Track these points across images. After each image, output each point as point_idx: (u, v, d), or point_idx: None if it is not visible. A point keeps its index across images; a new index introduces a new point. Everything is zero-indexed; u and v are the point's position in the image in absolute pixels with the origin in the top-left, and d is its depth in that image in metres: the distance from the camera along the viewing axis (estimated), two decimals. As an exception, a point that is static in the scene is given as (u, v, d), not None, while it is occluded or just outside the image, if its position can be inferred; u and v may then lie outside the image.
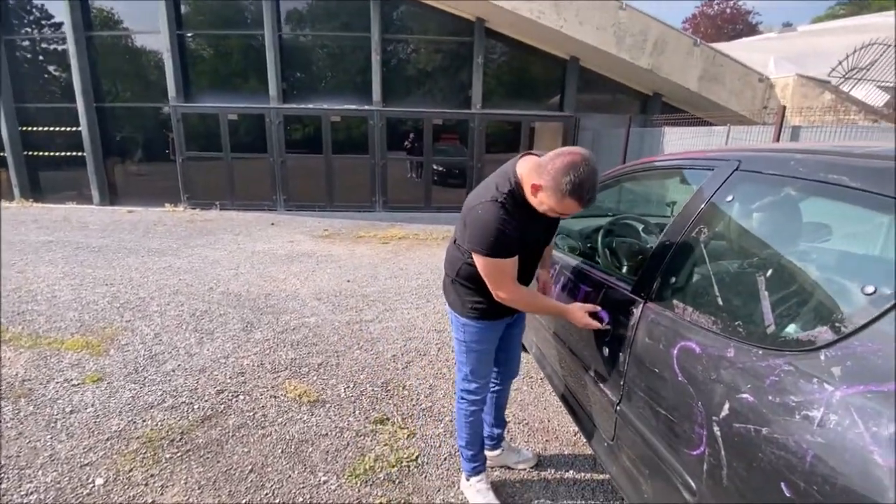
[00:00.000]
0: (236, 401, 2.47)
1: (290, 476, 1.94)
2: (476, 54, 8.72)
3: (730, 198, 1.24)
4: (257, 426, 2.26)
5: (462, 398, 1.78)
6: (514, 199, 1.42)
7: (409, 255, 5.83)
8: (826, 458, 0.78)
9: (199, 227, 7.35)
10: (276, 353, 3.04)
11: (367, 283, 4.60)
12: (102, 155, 9.02)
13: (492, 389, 1.95)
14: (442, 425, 2.31)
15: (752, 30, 30.19)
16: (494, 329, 1.70)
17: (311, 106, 8.72)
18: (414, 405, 2.48)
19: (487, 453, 2.11)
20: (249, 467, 1.98)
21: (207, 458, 2.03)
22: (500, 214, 1.39)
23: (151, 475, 1.92)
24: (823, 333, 0.87)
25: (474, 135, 8.96)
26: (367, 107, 8.75)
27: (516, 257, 1.46)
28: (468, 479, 1.84)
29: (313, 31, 8.91)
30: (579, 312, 1.53)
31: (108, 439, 2.13)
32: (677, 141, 7.05)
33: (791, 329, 0.95)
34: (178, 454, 2.05)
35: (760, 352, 0.97)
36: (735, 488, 0.96)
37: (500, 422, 2.05)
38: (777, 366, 0.93)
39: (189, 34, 8.73)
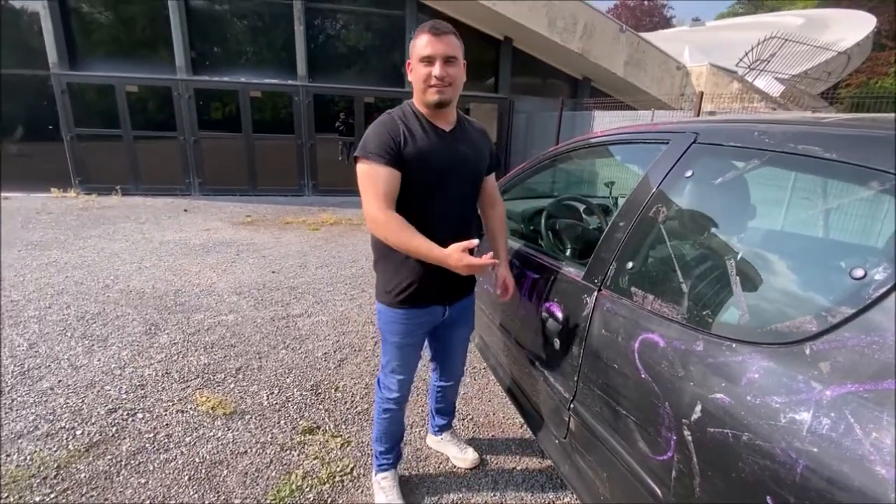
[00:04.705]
0: (133, 420, 2.09)
1: (198, 508, 1.64)
2: (409, 28, 8.34)
3: (689, 173, 1.13)
4: (159, 450, 1.91)
5: (379, 389, 1.62)
6: (405, 111, 1.38)
7: (341, 241, 5.47)
8: (819, 469, 0.68)
9: (96, 215, 6.41)
10: (186, 358, 2.64)
11: (295, 273, 4.23)
12: (-35, 131, 7.55)
13: (434, 383, 1.81)
14: (380, 429, 2.10)
15: (666, 23, 32.24)
16: (414, 321, 1.48)
17: (226, 79, 7.87)
18: (348, 409, 2.24)
19: (431, 437, 1.99)
20: (147, 503, 1.65)
21: (91, 496, 1.67)
22: (385, 119, 1.35)
23: (12, 527, 1.53)
24: (807, 324, 0.77)
25: (408, 115, 8.61)
26: (290, 82, 8.08)
27: (393, 172, 1.29)
28: (375, 475, 1.70)
29: (226, -6, 7.99)
30: (456, 254, 1.23)
31: (-48, 485, 1.69)
32: (606, 124, 7.25)
33: (769, 319, 0.85)
34: (52, 495, 1.66)
35: (734, 345, 0.87)
36: (709, 500, 0.85)
37: (445, 414, 1.92)
38: (754, 361, 0.82)
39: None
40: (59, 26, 7.26)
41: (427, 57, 1.27)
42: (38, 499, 1.65)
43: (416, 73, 1.32)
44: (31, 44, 7.46)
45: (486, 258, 1.21)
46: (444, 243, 1.39)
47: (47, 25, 7.19)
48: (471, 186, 1.48)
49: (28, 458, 1.83)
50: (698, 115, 5.68)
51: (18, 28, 7.56)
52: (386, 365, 1.57)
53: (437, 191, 1.36)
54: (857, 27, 13.70)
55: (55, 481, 1.73)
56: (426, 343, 1.65)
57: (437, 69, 1.27)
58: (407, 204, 1.33)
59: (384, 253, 1.42)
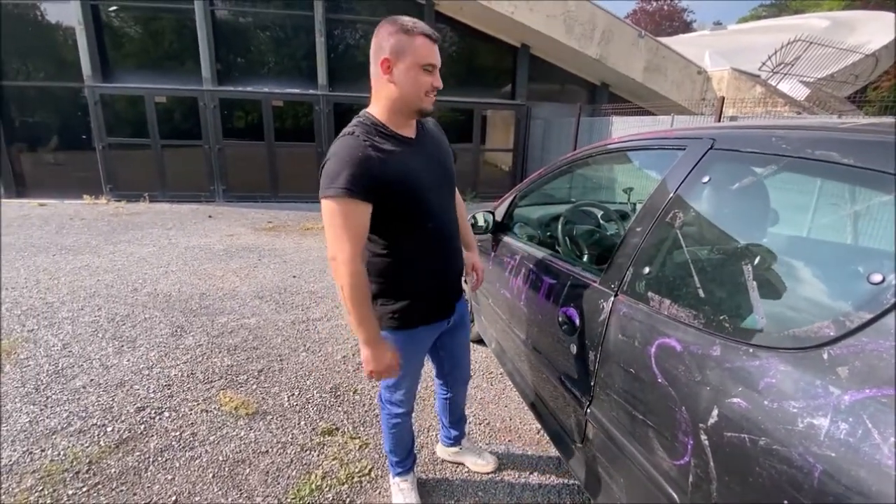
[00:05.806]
0: (160, 419, 2.17)
1: (222, 504, 1.69)
2: (426, 39, 8.44)
3: (706, 179, 1.14)
4: (184, 447, 1.97)
5: (384, 405, 1.63)
6: (368, 127, 1.23)
7: (359, 247, 5.54)
8: (837, 474, 0.68)
9: (125, 220, 6.65)
10: (210, 360, 2.72)
11: (315, 278, 4.31)
12: (6, 141, 7.93)
13: (443, 396, 1.81)
14: (397, 432, 2.13)
15: (687, 27, 31.88)
16: (417, 340, 1.47)
17: (249, 89, 8.09)
18: (366, 411, 2.28)
19: (444, 449, 1.99)
20: (173, 498, 1.71)
21: (121, 491, 1.74)
22: (349, 144, 1.17)
23: (48, 518, 1.61)
24: (825, 328, 0.77)
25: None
26: (311, 91, 8.26)
27: (367, 208, 1.17)
28: (393, 478, 1.74)
29: (251, 6, 8.23)
30: (385, 359, 1.25)
31: (-7, 477, 1.77)
32: (624, 130, 7.20)
33: (786, 324, 0.85)
34: (84, 489, 1.74)
35: (751, 350, 0.87)
36: (727, 504, 0.85)
37: (456, 424, 1.92)
38: (772, 366, 0.82)
39: (108, 5, 7.80)
40: (93, 41, 7.59)
41: (432, 65, 1.21)
42: (70, 492, 1.72)
43: (410, 77, 1.19)
44: (66, 57, 7.82)
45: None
46: (449, 247, 1.43)
47: (82, 41, 7.52)
48: (450, 185, 1.43)
49: (62, 453, 1.92)
50: (719, 120, 5.60)
51: (54, 43, 7.94)
52: (393, 385, 1.54)
53: (426, 201, 1.30)
54: (885, 29, 13.30)
55: (87, 476, 1.80)
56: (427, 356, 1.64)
57: (437, 79, 1.23)
58: (402, 223, 1.29)
59: (381, 282, 1.36)
